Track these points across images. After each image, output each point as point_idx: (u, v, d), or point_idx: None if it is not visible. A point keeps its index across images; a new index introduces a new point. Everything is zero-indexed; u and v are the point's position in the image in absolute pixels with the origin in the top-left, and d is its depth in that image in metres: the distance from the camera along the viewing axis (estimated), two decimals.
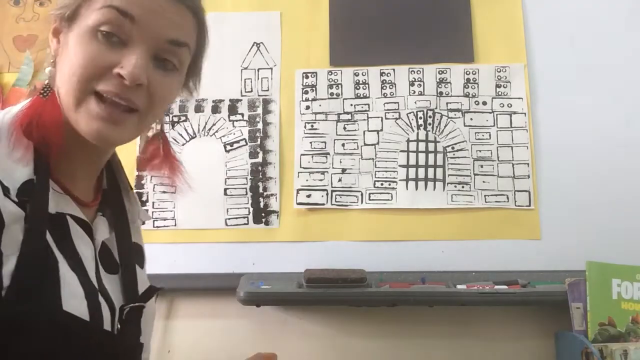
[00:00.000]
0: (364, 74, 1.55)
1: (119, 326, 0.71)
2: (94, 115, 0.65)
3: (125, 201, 0.83)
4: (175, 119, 1.56)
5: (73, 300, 0.63)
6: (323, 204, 1.49)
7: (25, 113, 0.66)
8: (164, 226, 1.50)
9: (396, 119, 1.52)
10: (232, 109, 1.56)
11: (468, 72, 1.54)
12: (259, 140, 1.54)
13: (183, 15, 0.71)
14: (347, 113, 1.54)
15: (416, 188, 1.48)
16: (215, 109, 1.56)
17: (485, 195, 1.47)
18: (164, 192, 1.52)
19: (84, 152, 0.71)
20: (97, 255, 0.73)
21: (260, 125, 1.55)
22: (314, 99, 1.55)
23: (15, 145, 0.63)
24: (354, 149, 1.52)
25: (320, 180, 1.50)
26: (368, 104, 1.54)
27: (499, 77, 1.53)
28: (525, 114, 1.51)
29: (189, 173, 0.84)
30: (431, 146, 1.50)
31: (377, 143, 1.52)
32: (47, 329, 0.60)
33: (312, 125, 1.54)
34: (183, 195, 0.80)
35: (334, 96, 1.55)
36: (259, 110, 1.56)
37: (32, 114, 0.66)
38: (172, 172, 0.82)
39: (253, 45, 1.59)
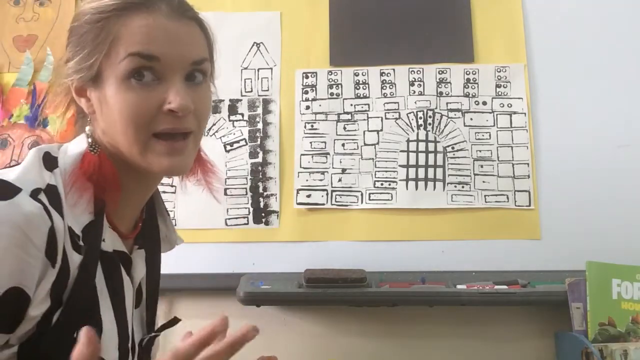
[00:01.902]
0: (364, 74, 1.55)
1: None
2: (161, 154, 0.70)
3: (162, 226, 0.86)
4: None
5: (108, 348, 0.67)
6: (323, 204, 1.49)
7: (84, 166, 0.70)
8: None
9: (396, 119, 1.52)
10: (232, 109, 1.56)
11: (468, 72, 1.54)
12: (259, 140, 1.54)
13: (193, 31, 0.74)
14: (347, 113, 1.54)
15: (416, 188, 1.48)
16: (215, 109, 1.56)
17: (485, 195, 1.47)
18: (164, 192, 1.52)
19: (136, 189, 0.76)
20: (134, 293, 0.77)
21: (260, 125, 1.55)
22: (314, 99, 1.55)
23: (81, 194, 0.67)
24: (354, 149, 1.52)
25: (320, 180, 1.50)
26: (368, 104, 1.54)
27: (499, 77, 1.53)
28: (525, 114, 1.51)
29: (220, 173, 0.88)
30: (431, 146, 1.50)
31: (377, 143, 1.52)
32: None
33: (312, 125, 1.54)
34: (219, 196, 0.83)
35: (334, 96, 1.55)
36: (259, 110, 1.56)
37: (90, 171, 0.69)
38: (204, 173, 0.86)
39: (253, 45, 1.59)
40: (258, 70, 1.58)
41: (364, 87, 1.55)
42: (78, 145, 0.72)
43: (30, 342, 0.61)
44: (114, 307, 0.70)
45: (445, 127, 1.51)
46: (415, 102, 1.53)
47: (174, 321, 0.83)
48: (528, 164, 1.48)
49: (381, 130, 1.52)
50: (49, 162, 0.68)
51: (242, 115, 1.56)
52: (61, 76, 0.74)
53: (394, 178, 1.49)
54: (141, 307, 0.81)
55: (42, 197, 0.63)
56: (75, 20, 0.72)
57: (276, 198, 1.51)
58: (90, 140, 0.71)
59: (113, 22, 0.69)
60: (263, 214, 1.50)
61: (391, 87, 1.54)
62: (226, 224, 1.50)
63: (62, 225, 0.63)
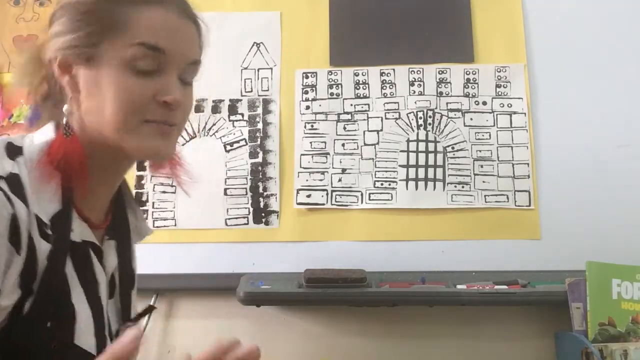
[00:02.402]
0: (364, 74, 1.55)
1: None
2: (151, 135, 0.71)
3: (131, 217, 0.85)
4: None
5: (84, 335, 0.67)
6: (323, 204, 1.49)
7: (51, 153, 0.69)
8: (164, 226, 1.50)
9: (396, 119, 1.52)
10: (232, 109, 1.56)
11: (468, 72, 1.54)
12: (259, 140, 1.54)
13: (194, 32, 0.77)
14: (347, 113, 1.54)
15: (416, 188, 1.48)
16: (215, 109, 1.56)
17: (485, 195, 1.47)
18: (164, 192, 1.52)
19: (105, 178, 0.75)
20: (107, 283, 0.77)
21: (260, 125, 1.55)
22: (314, 99, 1.55)
23: (47, 182, 0.66)
24: (354, 149, 1.52)
25: (320, 180, 1.50)
26: (368, 104, 1.54)
27: (499, 77, 1.53)
28: (525, 114, 1.51)
29: (190, 167, 0.88)
30: (431, 146, 1.50)
31: (377, 143, 1.52)
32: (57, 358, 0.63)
33: (312, 125, 1.54)
34: (189, 189, 0.83)
35: (334, 96, 1.55)
36: (259, 110, 1.56)
37: (58, 154, 0.69)
38: (172, 166, 0.85)
39: (253, 45, 1.59)
40: (258, 70, 1.58)
41: (364, 87, 1.55)
42: (46, 134, 0.71)
43: (2, 333, 0.61)
44: (87, 295, 0.69)
45: (445, 127, 1.51)
46: (415, 102, 1.53)
47: (149, 309, 0.83)
48: (528, 164, 1.48)
49: (381, 130, 1.52)
50: (12, 150, 0.68)
51: (242, 115, 1.56)
52: (38, 49, 0.73)
53: (394, 178, 1.49)
54: (115, 298, 0.80)
55: (3, 184, 0.63)
56: None
57: (276, 198, 1.51)
58: (65, 121, 0.71)
59: (125, 7, 0.70)
60: (263, 214, 1.50)
61: (391, 87, 1.54)
62: (226, 224, 1.50)
63: (25, 212, 0.63)
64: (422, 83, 1.54)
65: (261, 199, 1.51)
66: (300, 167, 1.51)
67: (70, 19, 0.71)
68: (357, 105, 1.54)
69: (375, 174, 1.50)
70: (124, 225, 0.83)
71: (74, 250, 0.69)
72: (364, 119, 1.53)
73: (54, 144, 0.69)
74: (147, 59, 0.70)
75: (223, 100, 1.57)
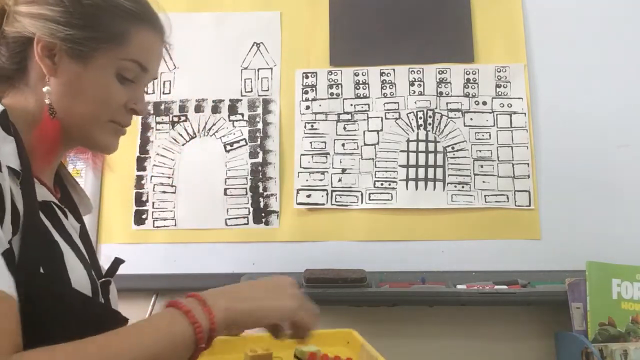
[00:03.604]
0: (364, 74, 1.55)
1: (103, 301, 0.76)
2: (112, 133, 0.80)
3: (74, 195, 0.88)
4: (175, 119, 1.56)
5: (79, 278, 0.68)
6: (323, 204, 1.49)
7: (43, 130, 0.74)
8: (164, 226, 1.50)
9: (396, 119, 1.52)
10: (232, 109, 1.56)
11: (468, 72, 1.54)
12: (259, 140, 1.54)
13: (162, 53, 0.86)
14: (347, 113, 1.54)
15: (416, 188, 1.48)
16: (215, 109, 1.56)
17: (485, 195, 1.47)
18: (164, 192, 1.52)
19: (57, 153, 0.80)
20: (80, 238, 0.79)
21: (260, 125, 1.55)
22: (314, 99, 1.55)
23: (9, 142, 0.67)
24: (354, 149, 1.52)
25: (320, 180, 1.50)
26: (368, 104, 1.54)
27: (499, 77, 1.53)
28: (525, 114, 1.51)
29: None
30: (431, 146, 1.50)
31: (377, 143, 1.52)
32: (58, 305, 0.63)
33: (312, 125, 1.54)
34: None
35: (334, 96, 1.55)
36: (259, 110, 1.56)
37: (48, 134, 0.75)
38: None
39: (253, 45, 1.59)
40: (258, 70, 1.58)
41: (364, 87, 1.55)
42: (25, 101, 0.75)
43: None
44: (65, 241, 0.71)
45: (445, 127, 1.51)
46: (415, 102, 1.53)
47: (118, 262, 0.85)
48: (528, 164, 1.48)
49: (381, 130, 1.52)
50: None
51: (242, 115, 1.56)
52: (25, 25, 0.74)
53: (394, 178, 1.49)
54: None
55: None
56: None
57: (276, 198, 1.51)
58: (48, 101, 0.74)
59: (127, 23, 0.77)
60: (263, 214, 1.50)
61: (391, 87, 1.54)
62: (226, 224, 1.50)
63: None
64: (422, 83, 1.54)
65: (261, 199, 1.51)
66: (300, 167, 1.51)
67: (71, 14, 0.74)
68: (357, 105, 1.54)
69: (375, 174, 1.50)
70: (70, 198, 0.87)
71: (42, 207, 0.70)
72: (364, 119, 1.53)
73: (45, 124, 0.74)
74: (132, 72, 0.78)
75: (223, 100, 1.57)
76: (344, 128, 1.53)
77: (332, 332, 0.90)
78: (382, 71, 1.55)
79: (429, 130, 1.51)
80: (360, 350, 0.84)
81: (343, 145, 1.52)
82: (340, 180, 1.50)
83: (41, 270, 0.63)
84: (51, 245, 0.67)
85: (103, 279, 0.78)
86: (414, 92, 1.54)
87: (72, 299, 0.66)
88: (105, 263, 0.84)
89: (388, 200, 1.48)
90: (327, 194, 1.50)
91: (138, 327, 0.61)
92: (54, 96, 0.75)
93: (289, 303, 0.70)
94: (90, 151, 0.89)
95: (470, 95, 1.53)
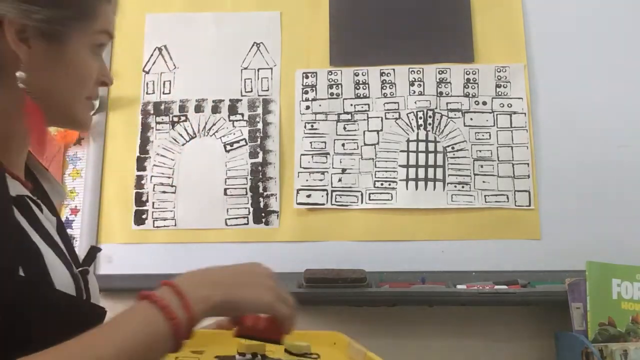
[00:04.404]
0: (364, 74, 1.55)
1: (85, 295, 0.74)
2: (87, 111, 0.80)
3: (45, 184, 0.85)
4: (175, 119, 1.56)
5: (61, 278, 0.66)
6: (323, 204, 1.49)
7: (32, 114, 0.72)
8: (164, 226, 1.50)
9: (396, 119, 1.52)
10: (232, 109, 1.56)
11: (468, 72, 1.54)
12: (259, 140, 1.54)
13: None
14: (347, 113, 1.54)
15: (416, 188, 1.48)
16: (215, 109, 1.56)
17: (485, 195, 1.47)
18: (164, 192, 1.52)
19: (26, 141, 0.78)
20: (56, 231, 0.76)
21: (260, 125, 1.55)
22: (314, 99, 1.55)
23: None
24: (354, 149, 1.52)
25: (320, 180, 1.50)
26: (368, 104, 1.54)
27: (499, 77, 1.53)
28: (525, 114, 1.51)
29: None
30: (431, 146, 1.50)
31: (377, 143, 1.52)
32: (42, 309, 0.61)
33: (312, 125, 1.54)
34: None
35: (334, 96, 1.55)
36: (259, 110, 1.56)
37: (37, 120, 0.73)
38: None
39: (253, 45, 1.59)
40: (258, 70, 1.58)
41: (364, 87, 1.55)
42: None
43: None
44: (42, 238, 0.68)
45: (445, 127, 1.51)
46: (415, 102, 1.53)
47: (95, 250, 0.83)
48: (528, 164, 1.48)
49: (381, 130, 1.52)
50: None
51: (242, 115, 1.56)
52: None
53: (394, 178, 1.49)
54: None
55: None
56: None
57: (276, 198, 1.51)
58: (23, 87, 0.71)
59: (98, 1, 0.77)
60: (263, 214, 1.50)
61: (391, 87, 1.54)
62: (226, 224, 1.50)
63: None
64: (422, 83, 1.54)
65: (261, 199, 1.51)
66: (300, 167, 1.51)
67: None
68: (357, 105, 1.54)
69: (375, 174, 1.50)
70: (41, 188, 0.84)
71: (15, 202, 0.68)
72: (364, 119, 1.53)
73: (29, 109, 0.72)
74: (104, 45, 0.79)
75: (223, 100, 1.57)
76: (344, 128, 1.53)
77: (318, 333, 0.89)
78: (382, 71, 1.55)
79: (429, 130, 1.51)
80: (347, 349, 0.84)
81: (343, 145, 1.52)
82: (340, 180, 1.50)
83: (21, 273, 0.60)
84: (29, 245, 0.64)
85: (81, 268, 0.75)
86: (414, 92, 1.54)
87: (58, 301, 0.63)
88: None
89: (388, 200, 1.48)
90: (327, 194, 1.50)
91: (114, 328, 0.58)
92: (30, 80, 0.71)
93: (267, 294, 0.67)
94: (66, 129, 0.89)
95: (470, 95, 1.53)
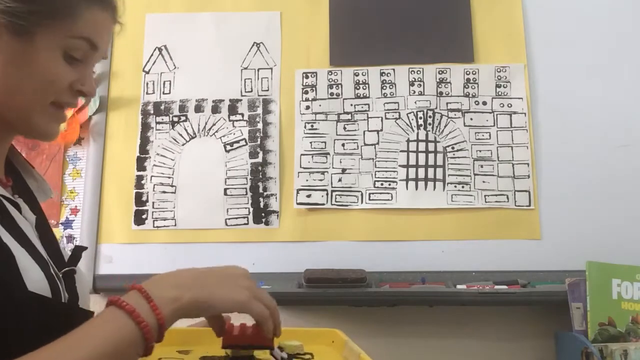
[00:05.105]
0: (364, 74, 1.55)
1: (67, 295, 0.72)
2: (54, 119, 0.74)
3: (31, 181, 0.83)
4: (175, 119, 1.56)
5: (35, 280, 0.64)
6: (323, 204, 1.49)
7: None
8: (164, 226, 1.50)
9: (396, 119, 1.52)
10: (232, 109, 1.56)
11: (468, 72, 1.54)
12: (259, 140, 1.54)
13: (112, 32, 0.81)
14: (347, 113, 1.54)
15: (416, 188, 1.48)
16: (215, 109, 1.56)
17: (485, 195, 1.47)
18: (164, 192, 1.52)
19: (7, 138, 0.76)
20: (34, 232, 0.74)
21: (260, 125, 1.55)
22: (314, 99, 1.55)
23: None
24: (354, 149, 1.52)
25: (320, 180, 1.50)
26: (368, 104, 1.54)
27: (499, 77, 1.53)
28: (525, 114, 1.51)
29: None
30: (431, 146, 1.50)
31: (377, 143, 1.52)
32: (15, 312, 0.60)
33: (312, 125, 1.54)
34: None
35: (334, 96, 1.55)
36: (259, 110, 1.56)
37: None
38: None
39: (253, 45, 1.59)
40: (258, 70, 1.58)
41: (364, 87, 1.55)
42: None
43: None
44: (16, 239, 0.66)
45: (445, 127, 1.51)
46: (415, 102, 1.53)
47: (80, 249, 0.80)
48: (528, 164, 1.48)
49: (381, 130, 1.52)
50: None
51: (242, 115, 1.56)
52: None
53: (394, 178, 1.49)
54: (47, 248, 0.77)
55: None
56: None
57: (276, 198, 1.51)
58: None
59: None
60: (263, 214, 1.50)
61: (391, 87, 1.54)
62: (226, 224, 1.50)
63: None
64: (422, 83, 1.54)
65: (261, 199, 1.51)
66: (300, 167, 1.51)
67: None
68: (357, 105, 1.54)
69: (375, 174, 1.50)
70: (25, 186, 0.82)
71: None
72: (364, 119, 1.53)
73: None
74: (81, 50, 0.72)
75: (223, 100, 1.57)
76: (344, 128, 1.53)
77: (316, 330, 0.89)
78: (382, 71, 1.55)
79: (429, 130, 1.51)
80: (344, 348, 0.84)
81: (343, 145, 1.52)
82: (340, 180, 1.50)
83: None
84: (5, 254, 0.62)
85: (66, 269, 0.74)
86: (414, 92, 1.54)
87: (30, 302, 0.62)
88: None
89: (388, 200, 1.48)
90: (327, 194, 1.50)
91: (84, 334, 0.57)
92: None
93: (240, 293, 0.66)
94: (28, 138, 0.81)
95: (470, 95, 1.53)
